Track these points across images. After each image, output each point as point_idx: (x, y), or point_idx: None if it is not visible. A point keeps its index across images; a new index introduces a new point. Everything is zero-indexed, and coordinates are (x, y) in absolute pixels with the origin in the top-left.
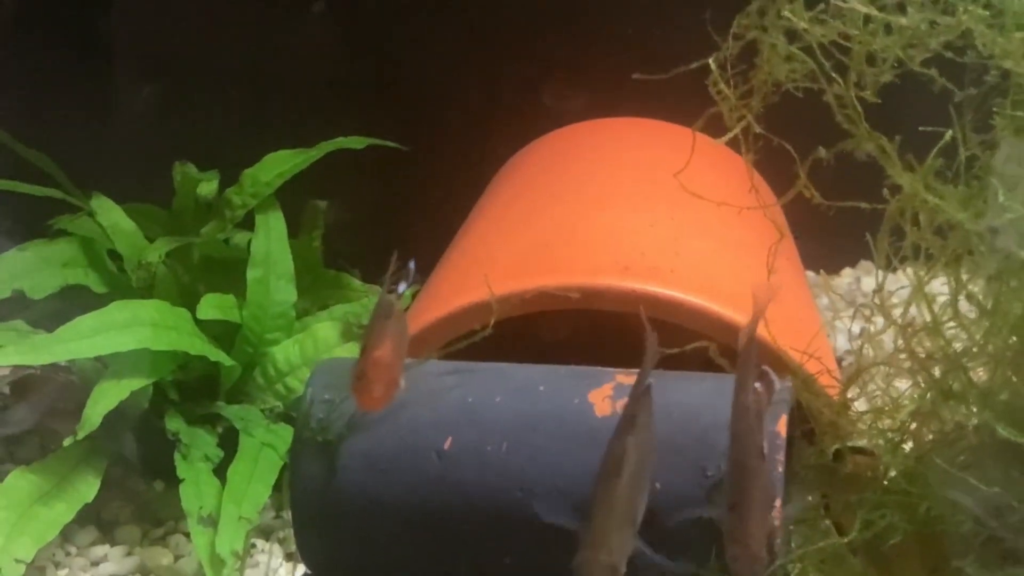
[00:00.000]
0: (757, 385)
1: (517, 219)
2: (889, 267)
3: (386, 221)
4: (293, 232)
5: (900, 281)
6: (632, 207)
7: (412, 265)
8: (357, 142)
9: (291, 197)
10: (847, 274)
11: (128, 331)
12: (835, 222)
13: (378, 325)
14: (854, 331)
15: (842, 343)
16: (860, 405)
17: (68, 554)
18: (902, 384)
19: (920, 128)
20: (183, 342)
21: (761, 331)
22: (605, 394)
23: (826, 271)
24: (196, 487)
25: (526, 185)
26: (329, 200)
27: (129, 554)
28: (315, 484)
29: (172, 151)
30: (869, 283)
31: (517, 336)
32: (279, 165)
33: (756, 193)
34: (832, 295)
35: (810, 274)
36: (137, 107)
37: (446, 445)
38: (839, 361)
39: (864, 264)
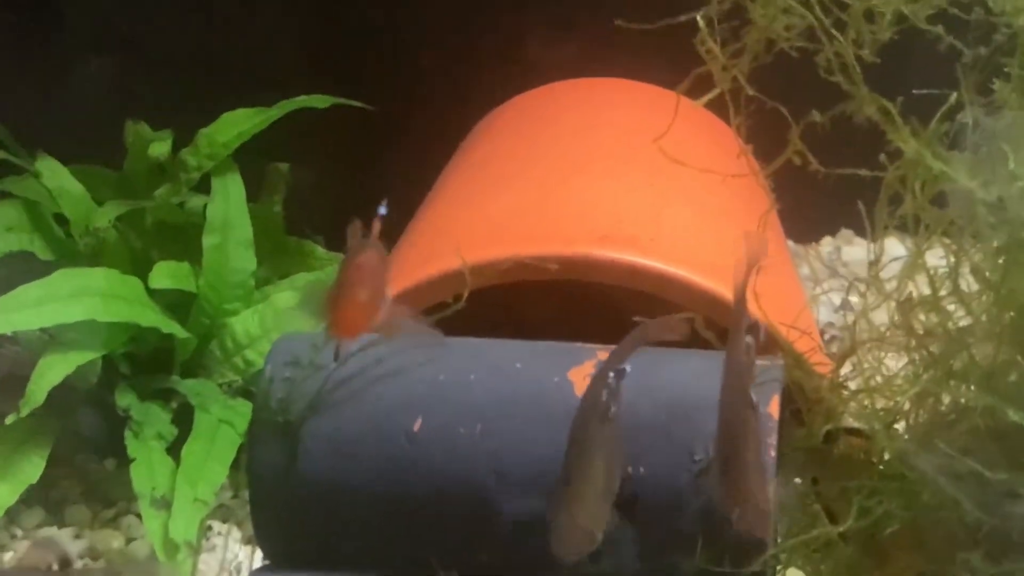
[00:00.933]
0: (748, 339)
1: (490, 184)
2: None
3: (351, 185)
4: (253, 196)
5: (889, 252)
6: (610, 173)
7: (383, 209)
8: (321, 101)
9: (250, 159)
10: (827, 243)
11: (75, 301)
12: (815, 190)
13: (354, 250)
14: (836, 303)
15: (824, 315)
16: (852, 384)
17: (14, 537)
18: (894, 362)
19: (917, 91)
20: (134, 313)
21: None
22: (586, 372)
23: (806, 240)
24: (148, 467)
25: (499, 148)
26: (291, 163)
27: (78, 536)
28: (275, 469)
29: (123, 110)
30: (850, 253)
31: (491, 310)
32: (237, 125)
33: (743, 159)
34: (816, 265)
35: (790, 243)
36: (87, 64)
37: (416, 427)
38: (821, 334)
39: (844, 233)
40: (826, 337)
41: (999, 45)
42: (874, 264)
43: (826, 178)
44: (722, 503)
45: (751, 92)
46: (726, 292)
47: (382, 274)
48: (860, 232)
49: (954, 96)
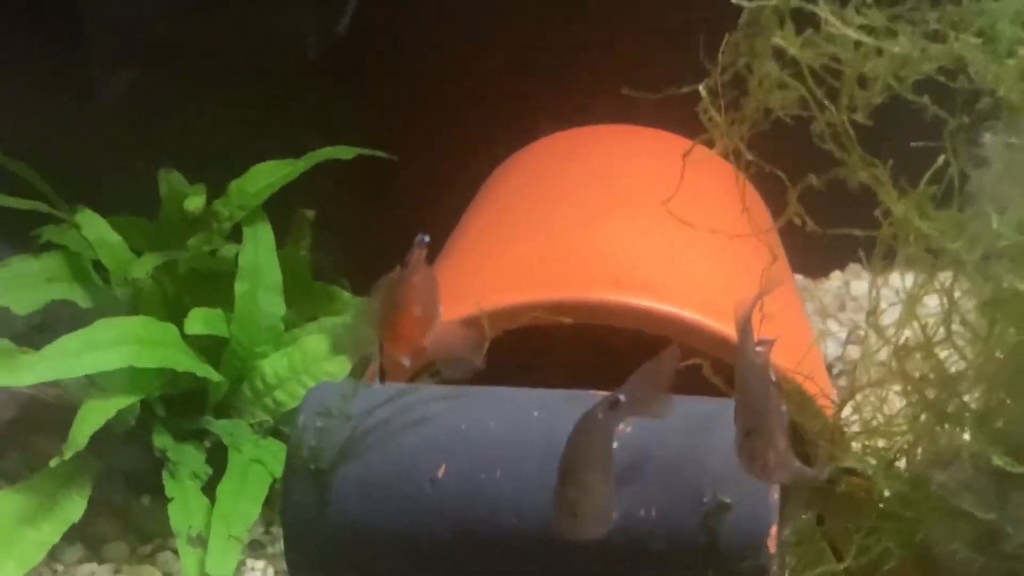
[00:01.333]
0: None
1: (508, 230)
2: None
3: (375, 231)
4: (281, 242)
5: (892, 284)
6: (625, 218)
7: (425, 238)
8: (345, 152)
9: (278, 206)
10: (836, 277)
11: (114, 349)
12: (824, 225)
13: (404, 273)
14: (841, 337)
15: (832, 349)
16: (855, 425)
17: (55, 572)
18: (897, 403)
19: (913, 144)
20: (170, 358)
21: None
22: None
23: (814, 275)
24: (184, 506)
25: (516, 194)
26: (317, 209)
27: (117, 572)
28: (308, 512)
29: (157, 159)
30: (858, 287)
31: (512, 352)
32: (267, 176)
33: (748, 213)
34: (825, 300)
35: (799, 277)
36: (120, 116)
37: (439, 472)
38: (829, 369)
39: (853, 267)
40: (834, 372)
41: (982, 112)
42: (872, 313)
43: (834, 215)
44: (747, 455)
45: (750, 157)
46: (733, 333)
47: (434, 294)
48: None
49: (942, 158)
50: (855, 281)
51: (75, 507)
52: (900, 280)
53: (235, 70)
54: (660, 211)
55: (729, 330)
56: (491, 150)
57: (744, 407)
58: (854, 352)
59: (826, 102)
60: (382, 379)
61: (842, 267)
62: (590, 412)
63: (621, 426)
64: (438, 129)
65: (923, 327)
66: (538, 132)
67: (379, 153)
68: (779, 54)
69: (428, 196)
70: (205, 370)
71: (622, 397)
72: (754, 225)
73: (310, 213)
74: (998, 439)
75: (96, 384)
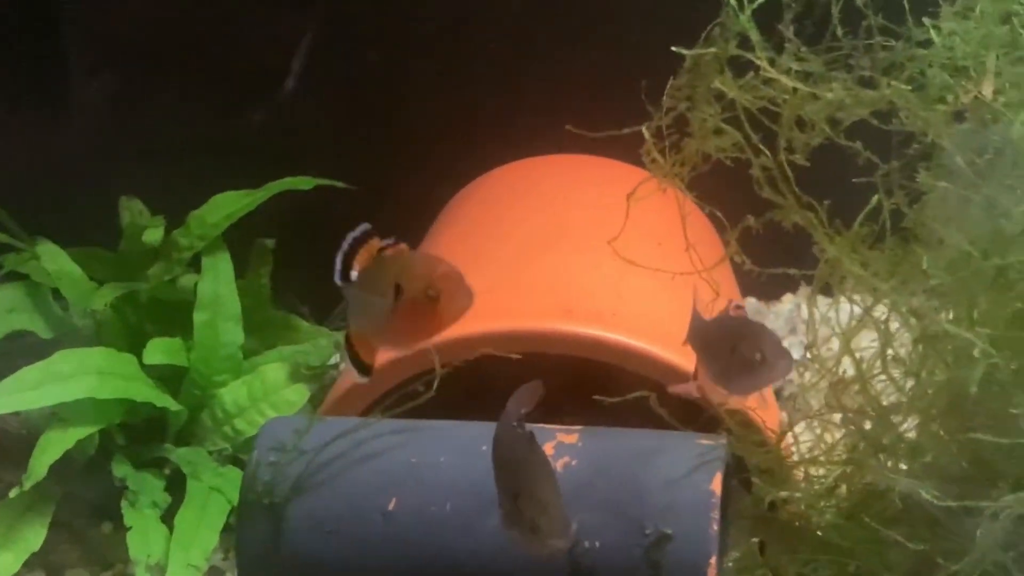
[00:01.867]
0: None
1: (461, 260)
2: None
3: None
4: (241, 270)
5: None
6: (575, 248)
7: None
8: (304, 183)
9: (240, 234)
10: (788, 300)
11: (74, 380)
12: (776, 248)
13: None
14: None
15: None
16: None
17: None
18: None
19: (853, 181)
20: (129, 389)
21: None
22: (546, 454)
23: (767, 297)
24: (143, 534)
25: (468, 225)
26: (277, 238)
27: None
28: (262, 547)
29: (118, 191)
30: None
31: (463, 383)
32: (226, 206)
33: (699, 237)
34: (777, 323)
35: (752, 300)
36: (81, 145)
37: (391, 506)
38: (779, 392)
39: (805, 290)
40: (785, 395)
41: (914, 156)
42: (810, 347)
43: (786, 237)
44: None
45: (690, 197)
46: (684, 362)
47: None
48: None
49: (876, 198)
50: (807, 304)
51: (35, 535)
52: (842, 310)
53: (196, 98)
54: (612, 238)
55: (678, 358)
56: (447, 180)
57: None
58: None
59: (761, 146)
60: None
61: (794, 290)
62: (511, 429)
63: (566, 458)
64: (395, 158)
65: (858, 362)
66: (491, 163)
67: (337, 183)
68: (722, 96)
69: (386, 225)
70: (164, 400)
71: (523, 409)
72: (703, 251)
73: (270, 242)
74: (930, 471)
75: (56, 415)
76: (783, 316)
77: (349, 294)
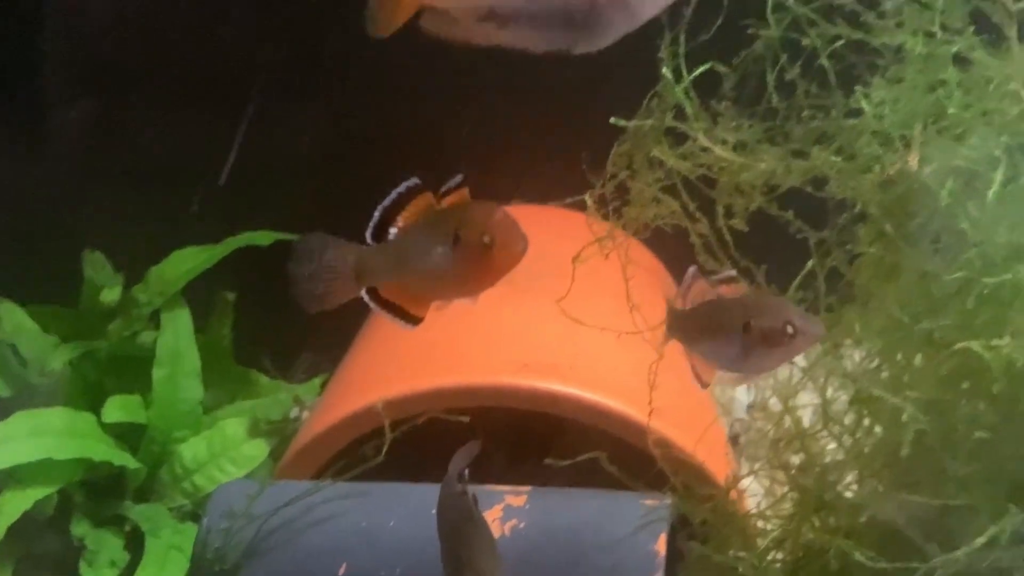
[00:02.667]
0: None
1: None
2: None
3: (297, 312)
4: (202, 322)
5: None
6: (530, 301)
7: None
8: (264, 237)
9: (202, 284)
10: None
11: (32, 441)
12: None
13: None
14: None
15: (739, 413)
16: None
17: None
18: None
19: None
20: (88, 448)
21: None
22: (495, 516)
23: None
24: None
25: None
26: (238, 291)
27: None
28: None
29: (79, 245)
30: None
31: (425, 431)
32: (186, 262)
33: (638, 311)
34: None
35: None
36: (40, 202)
37: (341, 571)
38: (736, 438)
39: None
40: (741, 441)
41: (845, 225)
42: (751, 408)
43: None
44: None
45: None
46: (638, 415)
47: None
48: None
49: (810, 263)
50: None
51: None
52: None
53: (155, 155)
54: (565, 292)
55: (630, 410)
56: None
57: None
58: (759, 421)
59: (697, 215)
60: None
61: None
62: (453, 495)
63: (514, 520)
64: (351, 214)
65: (797, 421)
66: None
67: (296, 237)
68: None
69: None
70: (123, 458)
71: (466, 471)
72: (657, 298)
73: (231, 295)
74: (870, 527)
75: (14, 476)
76: None
77: (394, 247)
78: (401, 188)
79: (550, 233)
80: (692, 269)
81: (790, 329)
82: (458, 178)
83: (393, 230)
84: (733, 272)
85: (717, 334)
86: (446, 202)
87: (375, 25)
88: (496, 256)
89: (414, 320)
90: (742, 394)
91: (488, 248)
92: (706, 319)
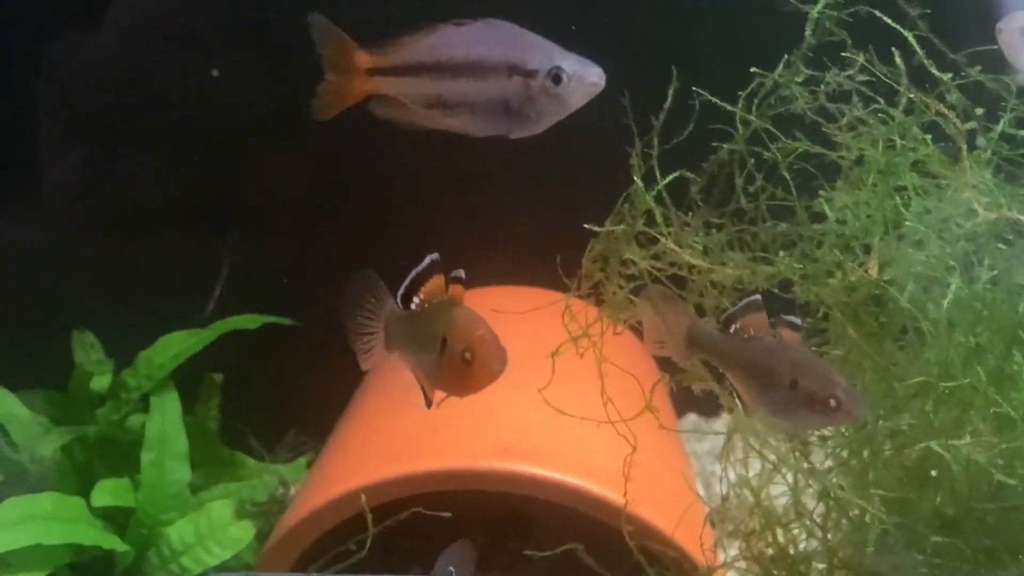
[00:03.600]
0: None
1: (396, 402)
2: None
3: (283, 392)
4: (189, 403)
5: None
6: (512, 385)
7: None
8: (251, 321)
9: (187, 366)
10: (728, 418)
11: (22, 527)
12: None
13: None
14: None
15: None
16: None
17: None
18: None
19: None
20: (76, 533)
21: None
22: None
23: (707, 413)
24: None
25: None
26: (225, 372)
27: None
28: None
29: (67, 326)
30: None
31: (405, 527)
32: (174, 346)
33: (611, 403)
34: (713, 442)
35: (692, 416)
36: (31, 283)
37: None
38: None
39: None
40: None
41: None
42: (725, 499)
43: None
44: None
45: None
46: (617, 498)
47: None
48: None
49: None
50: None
51: None
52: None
53: (145, 233)
54: (547, 375)
55: (609, 494)
56: None
57: None
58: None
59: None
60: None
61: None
62: None
63: None
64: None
65: (766, 514)
66: None
67: (283, 320)
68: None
69: (330, 361)
70: (111, 541)
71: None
72: (640, 373)
73: (218, 376)
74: None
75: (4, 561)
76: (721, 430)
77: (405, 327)
78: (419, 268)
79: (536, 318)
80: (757, 297)
81: (833, 403)
82: (460, 272)
83: (416, 300)
84: (798, 321)
85: (765, 381)
86: (450, 290)
87: (318, 111)
88: (475, 373)
89: (427, 401)
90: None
91: (469, 364)
92: (754, 356)
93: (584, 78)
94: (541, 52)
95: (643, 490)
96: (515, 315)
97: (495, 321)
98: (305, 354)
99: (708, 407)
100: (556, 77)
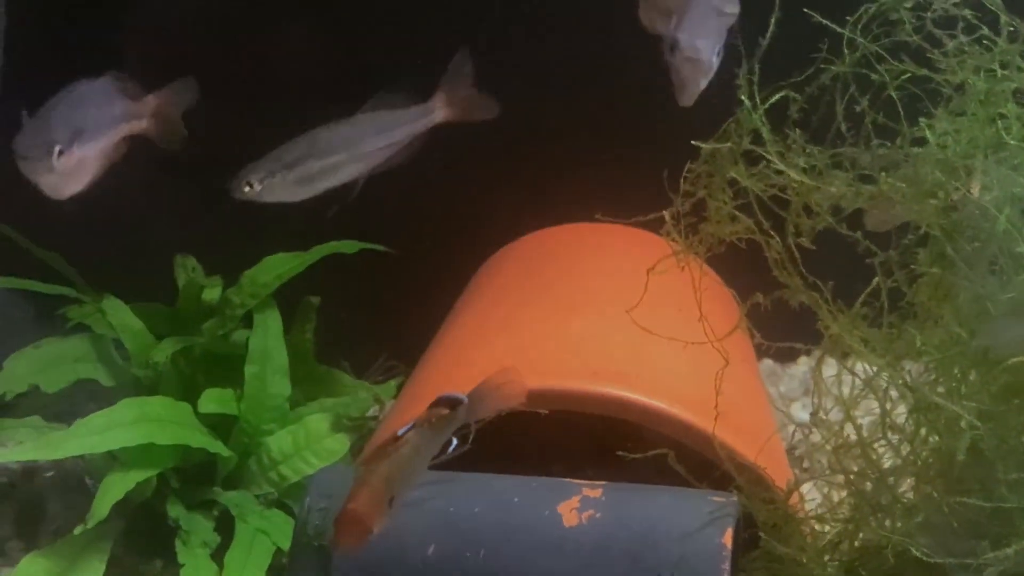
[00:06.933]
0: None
1: (494, 322)
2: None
3: (376, 317)
4: (287, 326)
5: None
6: (600, 312)
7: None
8: (350, 246)
9: (286, 290)
10: (803, 363)
11: (135, 427)
12: (792, 311)
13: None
14: (806, 420)
15: (798, 433)
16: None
17: None
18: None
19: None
20: (185, 436)
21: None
22: (572, 506)
23: (783, 360)
24: (195, 571)
25: (499, 291)
26: (322, 296)
27: None
28: None
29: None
30: (825, 371)
31: (500, 431)
32: (277, 267)
33: (707, 321)
34: (792, 384)
35: (768, 362)
36: (140, 209)
37: (430, 551)
38: (793, 451)
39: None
40: (796, 454)
41: (907, 246)
42: (815, 414)
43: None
44: None
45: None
46: (701, 422)
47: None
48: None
49: (874, 281)
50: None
51: (95, 571)
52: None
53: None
54: (633, 304)
55: (693, 418)
56: (484, 246)
57: None
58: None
59: (771, 232)
60: None
61: (809, 353)
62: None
63: (591, 511)
64: (436, 226)
65: (859, 428)
66: (522, 230)
67: (379, 247)
68: (736, 183)
69: (422, 288)
70: (216, 446)
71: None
72: (721, 318)
73: (315, 300)
74: (923, 529)
75: (118, 458)
76: (797, 378)
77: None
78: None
79: (622, 251)
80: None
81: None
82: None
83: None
84: None
85: None
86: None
87: None
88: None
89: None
90: (797, 411)
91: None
92: None
93: None
94: None
95: (727, 414)
96: (605, 250)
97: (588, 254)
98: (399, 282)
99: (784, 353)
100: None
